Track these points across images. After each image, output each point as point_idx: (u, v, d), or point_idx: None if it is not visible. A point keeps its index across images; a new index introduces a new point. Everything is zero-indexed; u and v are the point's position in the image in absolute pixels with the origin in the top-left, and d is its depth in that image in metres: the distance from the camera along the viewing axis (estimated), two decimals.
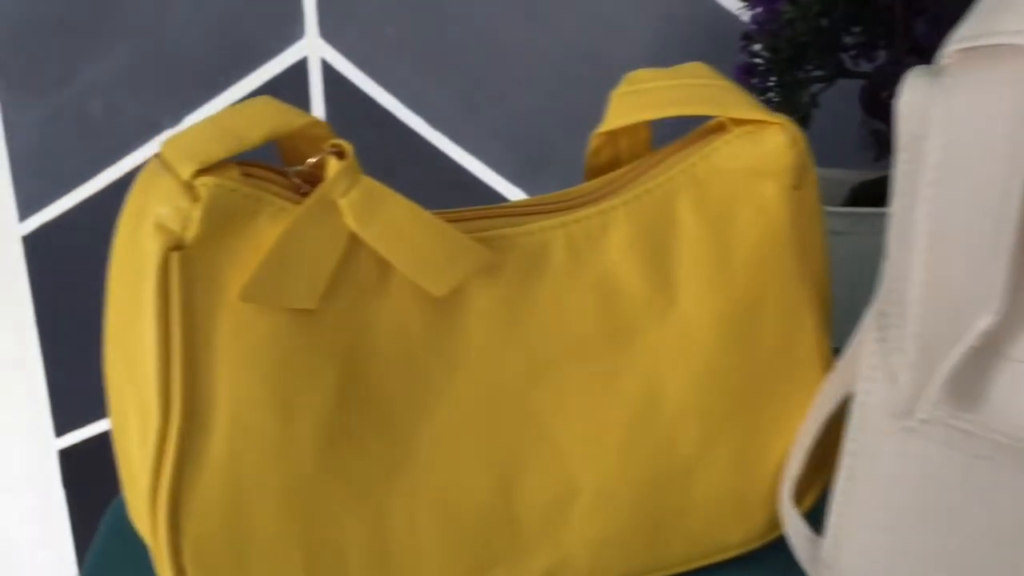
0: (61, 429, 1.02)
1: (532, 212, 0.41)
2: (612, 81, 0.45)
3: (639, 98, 0.43)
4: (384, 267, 0.39)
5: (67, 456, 1.02)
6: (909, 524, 0.37)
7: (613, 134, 0.45)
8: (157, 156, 0.37)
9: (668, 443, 0.42)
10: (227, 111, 0.38)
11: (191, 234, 0.35)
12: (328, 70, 0.90)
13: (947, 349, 0.33)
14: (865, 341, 0.39)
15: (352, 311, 0.38)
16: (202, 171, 0.35)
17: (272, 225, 0.37)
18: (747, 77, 0.60)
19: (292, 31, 0.90)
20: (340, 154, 0.37)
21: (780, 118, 0.41)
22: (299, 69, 0.91)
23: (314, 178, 0.38)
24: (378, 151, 0.86)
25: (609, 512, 0.42)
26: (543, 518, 0.41)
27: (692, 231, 0.41)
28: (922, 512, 0.37)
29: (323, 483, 0.38)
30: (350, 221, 0.37)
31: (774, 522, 0.44)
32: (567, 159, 0.86)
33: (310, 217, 0.37)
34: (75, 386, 1.00)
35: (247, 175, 0.37)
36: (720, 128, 0.43)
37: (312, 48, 0.90)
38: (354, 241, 0.38)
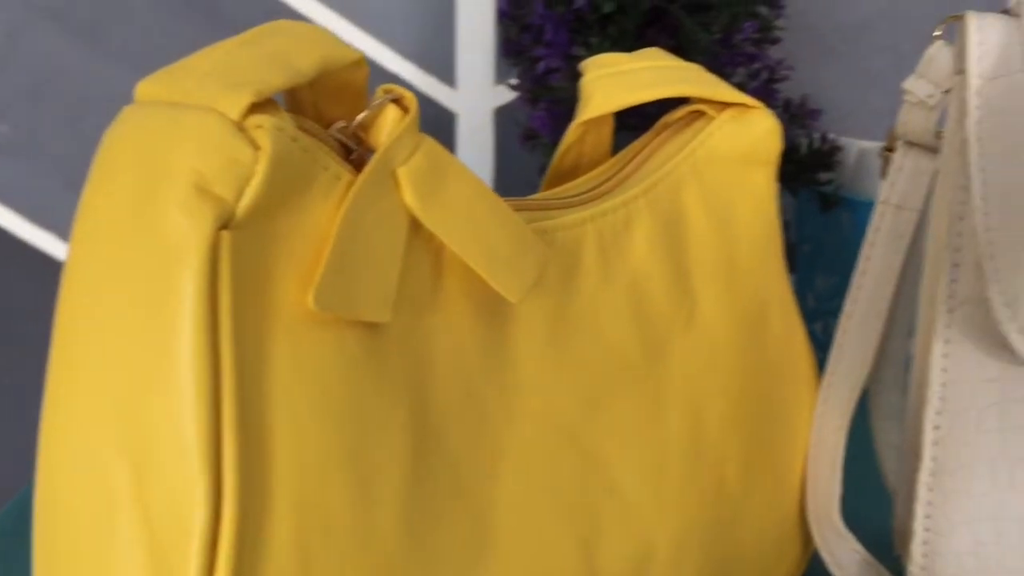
0: None
1: (560, 206, 0.33)
2: None
3: (623, 80, 0.37)
4: (436, 267, 0.28)
5: None
6: None
7: (585, 128, 0.38)
8: (135, 104, 0.24)
9: (719, 472, 0.35)
10: (253, 33, 0.25)
11: (244, 203, 0.23)
12: None
13: None
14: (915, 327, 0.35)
15: (411, 329, 0.27)
16: (256, 107, 0.23)
17: (325, 199, 0.25)
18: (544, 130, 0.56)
19: None
20: (401, 104, 0.27)
21: (758, 102, 0.38)
22: None
23: (357, 140, 0.27)
24: None
25: (685, 569, 0.33)
26: None
27: (700, 225, 0.36)
28: None
29: None
30: (410, 198, 0.26)
31: (806, 549, 0.39)
32: None
33: (372, 191, 0.25)
34: None
35: (300, 127, 0.25)
36: (697, 115, 0.38)
37: None
38: (411, 228, 0.27)
